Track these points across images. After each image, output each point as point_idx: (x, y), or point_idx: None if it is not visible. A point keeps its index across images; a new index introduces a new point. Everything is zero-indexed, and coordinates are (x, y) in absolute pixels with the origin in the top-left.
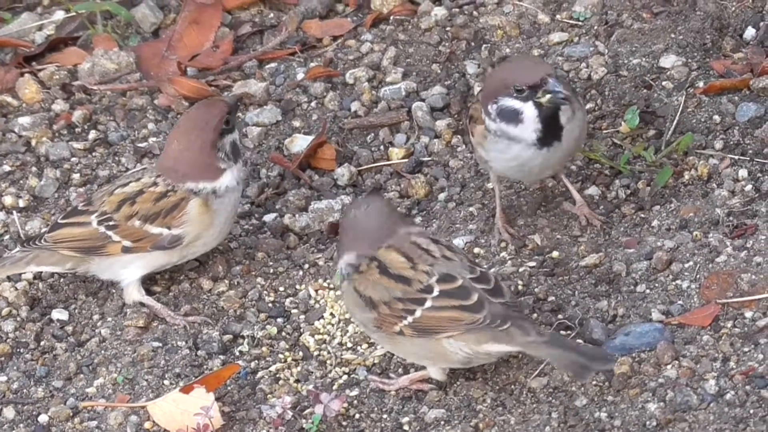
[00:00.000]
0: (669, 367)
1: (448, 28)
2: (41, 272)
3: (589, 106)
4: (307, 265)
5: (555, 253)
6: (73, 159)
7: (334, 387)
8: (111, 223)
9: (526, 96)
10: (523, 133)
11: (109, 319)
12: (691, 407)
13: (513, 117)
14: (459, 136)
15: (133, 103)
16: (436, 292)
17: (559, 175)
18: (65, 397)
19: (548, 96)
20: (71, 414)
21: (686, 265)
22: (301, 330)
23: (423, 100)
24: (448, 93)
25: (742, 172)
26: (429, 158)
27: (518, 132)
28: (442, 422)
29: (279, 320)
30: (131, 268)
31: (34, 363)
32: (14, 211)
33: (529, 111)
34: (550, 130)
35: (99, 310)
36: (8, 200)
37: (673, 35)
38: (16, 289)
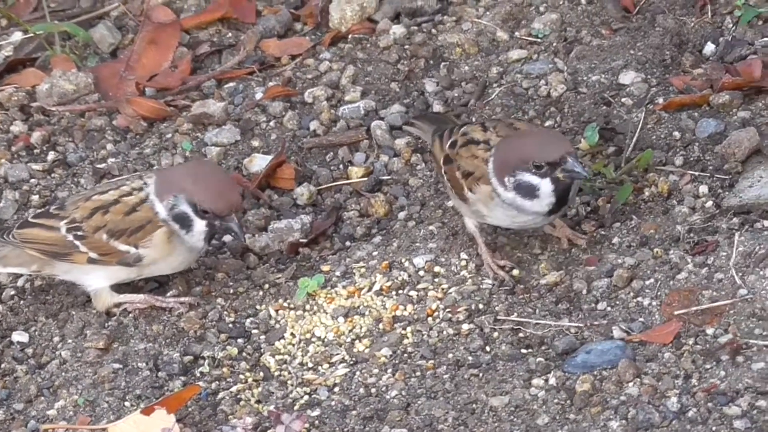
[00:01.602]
0: (631, 384)
1: (406, 46)
2: (2, 282)
3: (548, 123)
4: (267, 285)
5: (516, 272)
6: (32, 180)
7: (296, 407)
8: (79, 233)
9: (544, 172)
10: (536, 206)
11: (70, 340)
12: (653, 425)
13: (529, 191)
14: (418, 155)
15: (91, 124)
16: None
17: None
18: (26, 420)
19: (565, 174)
20: None
21: (647, 283)
22: (262, 350)
23: (382, 119)
24: (407, 111)
25: (703, 189)
26: (388, 177)
27: (531, 204)
28: None
29: (239, 341)
30: (94, 276)
31: None
32: None
33: (545, 187)
34: (560, 201)
35: (59, 332)
36: None
37: (632, 51)
38: None
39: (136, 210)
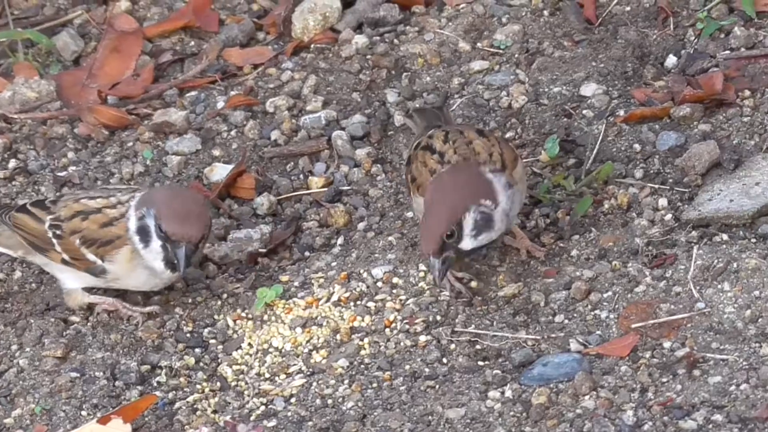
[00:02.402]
0: (587, 397)
1: (368, 57)
2: None
3: (509, 134)
4: (225, 295)
5: (474, 283)
6: None
7: (252, 417)
8: (58, 231)
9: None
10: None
11: (27, 349)
12: None
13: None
14: (379, 165)
15: (53, 132)
16: None
17: None
18: None
19: None
20: None
21: (605, 295)
22: (219, 360)
23: (343, 129)
24: (368, 122)
25: (662, 201)
26: (348, 187)
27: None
28: None
29: (197, 350)
30: (68, 276)
31: None
32: None
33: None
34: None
35: (17, 341)
36: None
37: (594, 63)
38: None
39: (111, 224)
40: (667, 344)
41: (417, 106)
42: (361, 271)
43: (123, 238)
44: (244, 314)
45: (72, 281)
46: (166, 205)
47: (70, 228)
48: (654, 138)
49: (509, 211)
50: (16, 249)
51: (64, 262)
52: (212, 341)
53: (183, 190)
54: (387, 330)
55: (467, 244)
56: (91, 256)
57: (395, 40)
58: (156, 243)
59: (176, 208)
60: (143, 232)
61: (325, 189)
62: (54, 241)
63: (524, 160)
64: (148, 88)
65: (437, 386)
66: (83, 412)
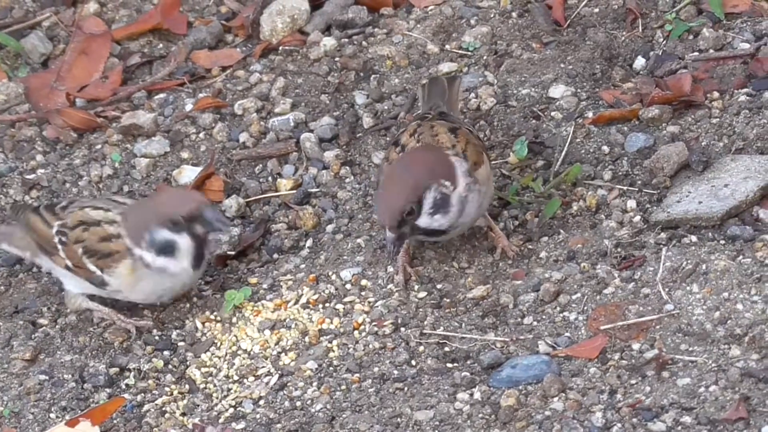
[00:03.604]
0: (556, 399)
1: (337, 59)
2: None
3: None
4: (194, 298)
5: (441, 285)
6: None
7: (221, 420)
8: (63, 238)
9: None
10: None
11: None
12: None
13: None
14: (347, 168)
15: (21, 135)
16: None
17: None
18: None
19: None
20: None
21: (574, 297)
22: (188, 363)
23: (311, 131)
24: (337, 124)
25: (631, 203)
26: (317, 189)
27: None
28: None
29: (165, 353)
30: (71, 281)
31: None
32: None
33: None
34: None
35: None
36: None
37: (562, 65)
38: None
39: (110, 240)
40: (636, 346)
41: (434, 76)
42: (330, 274)
43: (122, 253)
44: (212, 316)
45: (74, 286)
46: (160, 208)
47: (74, 237)
48: (622, 139)
49: (466, 202)
50: (24, 250)
51: (67, 268)
52: (181, 344)
53: (150, 197)
54: (356, 332)
55: (424, 221)
56: (92, 267)
57: (364, 42)
58: (183, 240)
59: (167, 201)
60: (165, 248)
61: (294, 191)
62: (59, 247)
63: (492, 162)
64: (117, 91)
65: (406, 388)
66: (52, 415)
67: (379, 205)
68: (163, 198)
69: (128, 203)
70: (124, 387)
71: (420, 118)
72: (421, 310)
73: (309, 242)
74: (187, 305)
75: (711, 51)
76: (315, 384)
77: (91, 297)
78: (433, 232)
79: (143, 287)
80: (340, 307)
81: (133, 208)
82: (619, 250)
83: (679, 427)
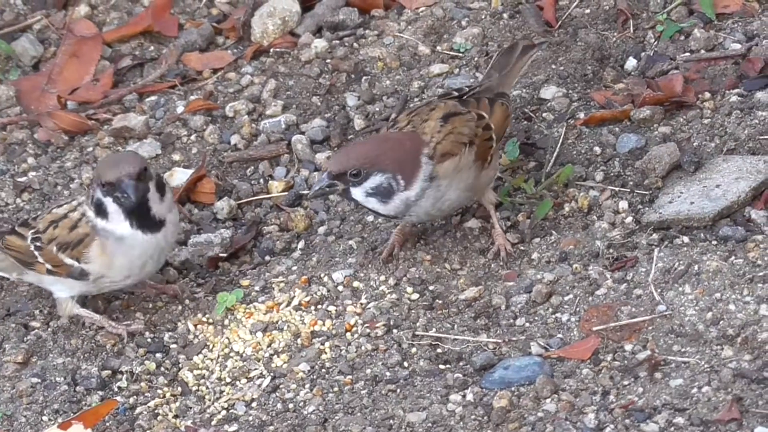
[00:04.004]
0: (548, 401)
1: (328, 60)
2: None
3: None
4: (186, 300)
5: (434, 287)
6: None
7: (213, 422)
8: (38, 243)
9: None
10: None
11: None
12: None
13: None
14: None
15: (12, 137)
16: None
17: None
18: None
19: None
20: None
21: (566, 298)
22: (180, 365)
23: (303, 133)
24: (328, 126)
25: (623, 204)
26: (309, 191)
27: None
28: None
29: (158, 355)
30: (58, 287)
31: None
32: None
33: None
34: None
35: None
36: None
37: (553, 66)
38: None
39: (77, 226)
40: (628, 347)
41: (513, 43)
42: (322, 275)
43: (91, 235)
44: (204, 319)
45: (62, 291)
46: (99, 167)
47: (47, 237)
48: (614, 140)
49: (413, 204)
50: (10, 271)
51: (49, 272)
52: (173, 346)
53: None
54: (348, 334)
55: (357, 194)
56: (68, 260)
57: (355, 44)
58: (110, 204)
59: (107, 162)
60: (98, 207)
61: (286, 193)
62: (36, 253)
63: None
64: (108, 93)
65: (398, 390)
66: (44, 418)
67: (340, 151)
68: (104, 160)
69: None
70: (116, 389)
71: (448, 96)
72: (413, 311)
73: (301, 244)
74: (179, 307)
75: (702, 51)
76: (307, 386)
77: (84, 302)
78: (372, 211)
79: (120, 263)
80: (332, 308)
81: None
82: (611, 251)
83: (672, 428)
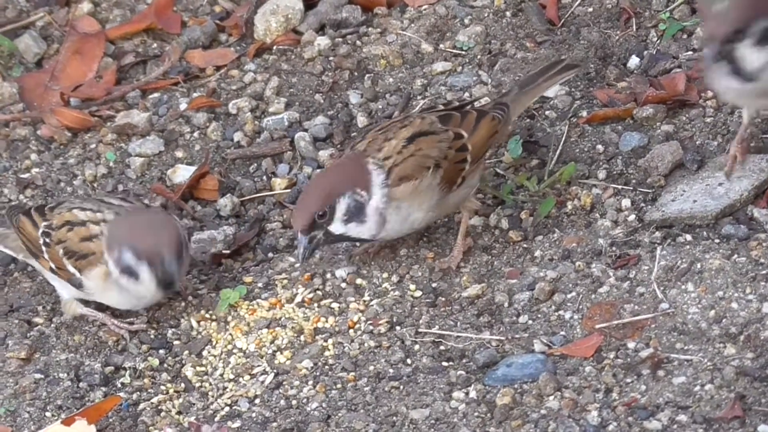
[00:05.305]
0: (551, 398)
1: (331, 58)
2: None
3: None
4: (189, 297)
5: (437, 284)
6: None
7: (216, 418)
8: (47, 239)
9: None
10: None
11: None
12: None
13: None
14: None
15: (15, 134)
16: None
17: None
18: None
19: None
20: None
21: (569, 296)
22: (183, 361)
23: (306, 130)
24: (331, 123)
25: (625, 202)
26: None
27: None
28: None
29: (161, 351)
30: (59, 285)
31: None
32: None
33: None
34: None
35: None
36: None
37: None
38: None
39: (90, 240)
40: (631, 345)
41: (556, 60)
42: (325, 272)
43: (98, 255)
44: (207, 315)
45: (64, 291)
46: (133, 235)
47: (57, 237)
48: (617, 139)
49: (386, 213)
50: (18, 252)
51: (51, 270)
52: (176, 342)
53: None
54: (351, 331)
55: (337, 227)
56: (71, 268)
57: (358, 42)
58: (145, 273)
59: (145, 231)
60: (128, 270)
61: (289, 190)
62: (43, 248)
63: (487, 161)
64: (111, 90)
65: (401, 387)
66: (47, 414)
67: (295, 209)
68: (144, 228)
69: (125, 206)
70: (119, 385)
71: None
72: (416, 308)
73: None
74: (182, 304)
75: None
76: (310, 383)
77: (87, 302)
78: (353, 239)
79: (113, 295)
80: (335, 305)
81: (125, 217)
82: (613, 249)
83: (675, 426)
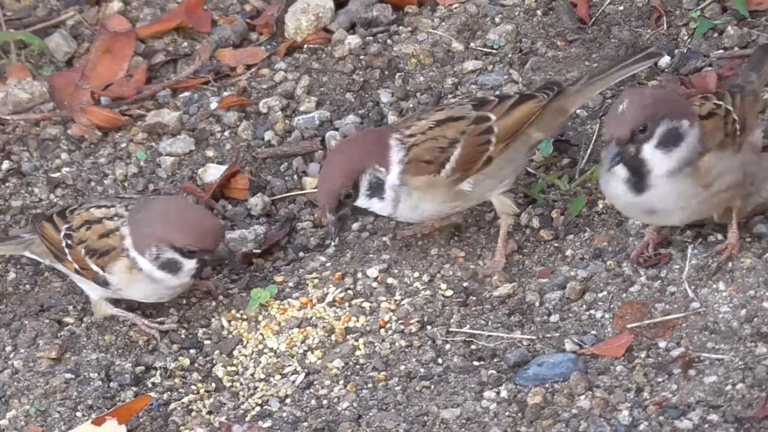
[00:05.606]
0: (582, 397)
1: (361, 57)
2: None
3: None
4: (220, 296)
5: (468, 283)
6: None
7: (247, 418)
8: (69, 241)
9: None
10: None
11: (22, 350)
12: None
13: None
14: None
15: (46, 133)
16: None
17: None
18: None
19: None
20: None
21: (600, 295)
22: (214, 361)
23: (336, 129)
24: (362, 122)
25: None
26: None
27: None
28: None
29: (192, 351)
30: (86, 286)
31: None
32: None
33: None
34: None
35: (11, 342)
36: None
37: (587, 63)
38: None
39: (108, 236)
40: (662, 344)
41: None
42: (356, 272)
43: (118, 249)
44: (238, 315)
45: (92, 292)
46: (178, 231)
47: (78, 237)
48: None
49: (400, 192)
50: (44, 257)
51: (76, 272)
52: (207, 342)
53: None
54: (382, 330)
55: (362, 202)
56: (94, 267)
57: (388, 41)
58: (190, 264)
59: (193, 227)
60: (170, 266)
61: None
62: (66, 251)
63: None
64: (141, 89)
65: (432, 386)
66: (78, 414)
67: (318, 188)
68: (179, 220)
69: (135, 198)
70: (150, 385)
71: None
72: (447, 308)
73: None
74: (213, 303)
75: (736, 48)
76: (341, 382)
77: (116, 302)
78: (377, 215)
79: (140, 287)
80: (366, 305)
81: (145, 212)
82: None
83: (706, 425)
